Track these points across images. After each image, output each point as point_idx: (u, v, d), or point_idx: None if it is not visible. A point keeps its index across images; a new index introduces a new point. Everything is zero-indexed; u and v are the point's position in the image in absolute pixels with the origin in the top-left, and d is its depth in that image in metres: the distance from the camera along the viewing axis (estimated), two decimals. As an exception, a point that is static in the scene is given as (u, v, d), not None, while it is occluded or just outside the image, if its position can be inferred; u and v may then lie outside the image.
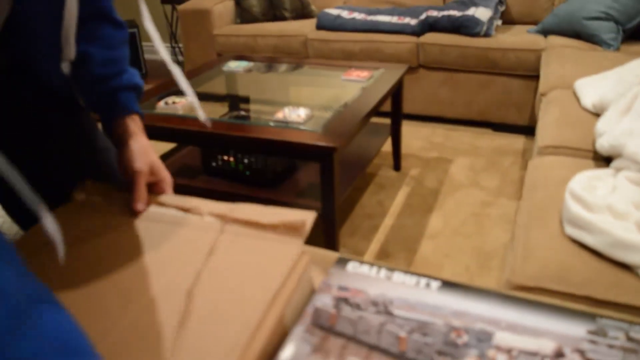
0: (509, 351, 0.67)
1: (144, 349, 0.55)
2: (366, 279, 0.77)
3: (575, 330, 0.71)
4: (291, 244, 0.68)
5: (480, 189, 2.45)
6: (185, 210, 0.76)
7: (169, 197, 0.83)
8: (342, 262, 0.81)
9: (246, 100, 2.27)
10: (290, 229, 0.69)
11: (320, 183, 1.72)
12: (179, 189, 2.13)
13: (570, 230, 1.06)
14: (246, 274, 0.65)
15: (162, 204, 0.80)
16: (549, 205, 1.18)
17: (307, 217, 0.71)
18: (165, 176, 0.90)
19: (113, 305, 0.60)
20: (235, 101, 2.25)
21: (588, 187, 1.12)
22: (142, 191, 0.82)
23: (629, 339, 0.71)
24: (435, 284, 0.77)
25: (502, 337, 0.69)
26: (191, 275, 0.64)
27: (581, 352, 0.68)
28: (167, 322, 0.58)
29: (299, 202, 1.88)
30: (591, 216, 1.02)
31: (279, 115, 1.90)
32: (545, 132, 1.65)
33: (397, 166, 2.64)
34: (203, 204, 0.78)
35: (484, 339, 0.68)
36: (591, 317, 0.73)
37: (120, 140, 0.88)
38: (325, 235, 1.82)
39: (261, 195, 1.96)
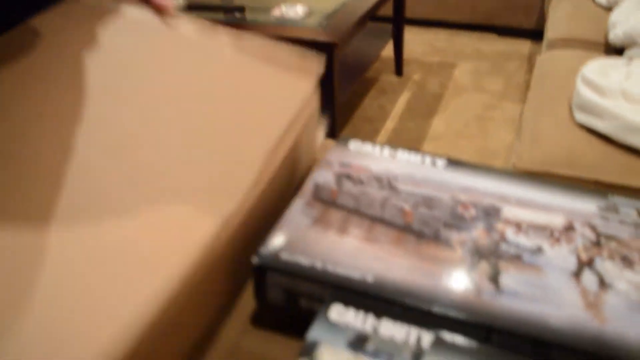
0: (517, 225, 0.65)
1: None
2: (369, 156, 0.74)
3: (586, 206, 0.69)
4: (305, 79, 0.62)
5: (484, 92, 2.40)
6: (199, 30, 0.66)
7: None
8: (343, 141, 0.78)
9: (240, 4, 2.17)
10: (303, 64, 0.62)
11: (320, 82, 1.67)
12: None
13: (580, 116, 1.02)
14: (256, 100, 0.60)
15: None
16: (559, 94, 1.14)
17: (313, 57, 0.65)
18: None
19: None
20: (229, 5, 2.16)
21: (601, 73, 1.08)
22: None
23: (640, 215, 0.69)
24: (441, 162, 0.74)
25: (511, 212, 0.67)
26: (194, 93, 0.58)
27: (592, 227, 0.66)
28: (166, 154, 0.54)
29: (299, 103, 1.84)
30: (603, 101, 0.98)
31: (276, 12, 1.82)
32: (556, 26, 1.59)
33: (399, 71, 2.57)
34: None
35: (492, 213, 0.66)
36: (603, 195, 0.71)
37: None
38: (325, 135, 1.79)
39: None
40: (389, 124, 2.17)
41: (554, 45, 1.50)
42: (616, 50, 1.37)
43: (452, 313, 0.53)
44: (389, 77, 2.55)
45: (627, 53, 1.24)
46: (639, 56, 1.19)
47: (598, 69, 1.10)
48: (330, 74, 1.64)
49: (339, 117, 1.76)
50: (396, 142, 2.06)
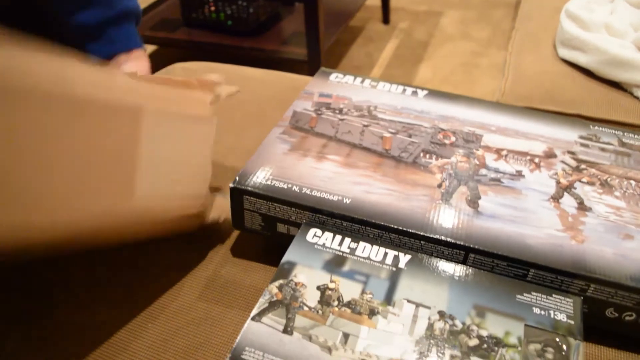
0: (498, 151, 0.64)
1: None
2: (350, 87, 0.73)
3: (568, 134, 0.69)
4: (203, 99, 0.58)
5: (471, 40, 2.37)
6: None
7: None
8: (324, 73, 0.76)
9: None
10: (204, 85, 0.59)
11: (305, 26, 1.64)
12: (159, 43, 2.03)
13: (564, 52, 1.01)
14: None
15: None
16: (543, 32, 1.13)
17: (225, 87, 0.62)
18: None
19: None
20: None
21: (585, 8, 1.06)
22: None
23: (622, 144, 0.69)
24: (422, 92, 0.73)
25: (491, 139, 0.66)
26: None
27: (572, 154, 0.66)
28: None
29: (284, 49, 1.81)
30: (587, 34, 0.97)
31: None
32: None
33: (385, 19, 2.53)
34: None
35: (472, 140, 0.66)
36: (584, 125, 0.71)
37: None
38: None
39: (245, 45, 1.88)
40: (376, 72, 2.15)
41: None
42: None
43: (430, 234, 0.53)
44: (376, 26, 2.52)
45: (614, -9, 1.22)
46: (626, -7, 1.17)
47: (582, 4, 1.08)
48: (315, 20, 1.61)
49: (324, 65, 1.73)
50: (382, 89, 2.04)
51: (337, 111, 0.68)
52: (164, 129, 0.49)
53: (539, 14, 1.23)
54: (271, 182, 0.56)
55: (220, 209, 0.62)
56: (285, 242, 0.57)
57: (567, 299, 0.48)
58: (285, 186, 0.56)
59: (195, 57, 2.24)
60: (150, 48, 2.30)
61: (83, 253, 0.61)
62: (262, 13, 1.94)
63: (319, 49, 1.68)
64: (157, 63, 1.01)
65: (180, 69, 0.99)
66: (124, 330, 0.53)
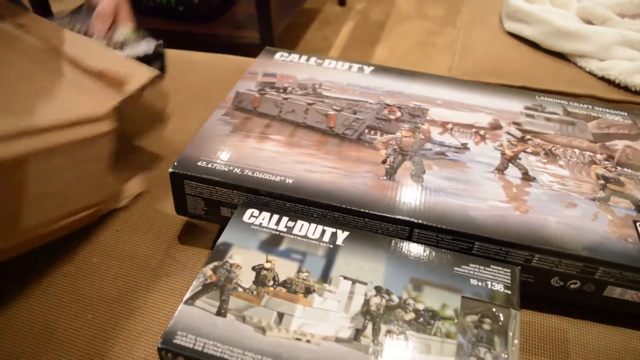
0: (443, 125, 0.64)
1: None
2: (295, 66, 0.72)
3: (513, 106, 0.69)
4: (103, 100, 0.57)
5: (427, 19, 2.37)
6: (21, 26, 0.63)
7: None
8: (269, 52, 0.75)
9: None
10: (114, 80, 0.58)
11: (256, 10, 1.61)
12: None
13: (510, 25, 1.01)
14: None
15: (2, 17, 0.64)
16: (491, 6, 1.13)
17: (138, 74, 0.61)
18: (124, 19, 0.79)
19: None
20: None
21: (531, -19, 1.07)
22: (94, 27, 0.73)
23: (567, 113, 0.69)
24: (368, 69, 0.72)
25: (437, 113, 0.66)
26: None
27: (518, 124, 0.66)
28: None
29: (238, 34, 1.78)
30: (530, 6, 0.97)
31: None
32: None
33: (342, 1, 2.51)
34: (38, 24, 0.64)
35: (418, 114, 0.65)
36: (530, 95, 0.71)
37: None
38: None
39: (198, 31, 1.84)
40: (333, 54, 2.13)
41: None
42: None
43: (372, 211, 0.52)
44: (332, 8, 2.50)
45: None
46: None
47: (529, -22, 1.08)
48: (266, 3, 1.59)
49: (278, 44, 1.71)
50: (339, 71, 2.03)
51: (282, 90, 0.67)
52: (52, 165, 0.50)
53: (488, -12, 1.23)
54: (211, 165, 0.54)
55: (129, 192, 0.64)
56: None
57: (505, 269, 0.48)
58: (226, 169, 0.54)
59: (148, 44, 2.19)
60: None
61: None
62: (213, -2, 1.90)
63: (272, 33, 1.65)
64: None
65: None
66: (63, 321, 0.52)
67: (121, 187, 0.64)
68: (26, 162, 0.47)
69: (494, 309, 0.44)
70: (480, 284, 0.46)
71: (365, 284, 0.45)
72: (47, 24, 0.64)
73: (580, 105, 0.71)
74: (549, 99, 0.71)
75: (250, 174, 0.54)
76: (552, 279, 0.52)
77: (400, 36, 2.25)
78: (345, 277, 0.46)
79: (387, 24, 2.35)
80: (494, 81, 0.91)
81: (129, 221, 0.62)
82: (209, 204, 0.56)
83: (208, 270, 0.45)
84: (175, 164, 0.54)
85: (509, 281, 0.47)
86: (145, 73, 0.61)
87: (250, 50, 2.08)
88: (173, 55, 0.95)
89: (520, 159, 0.60)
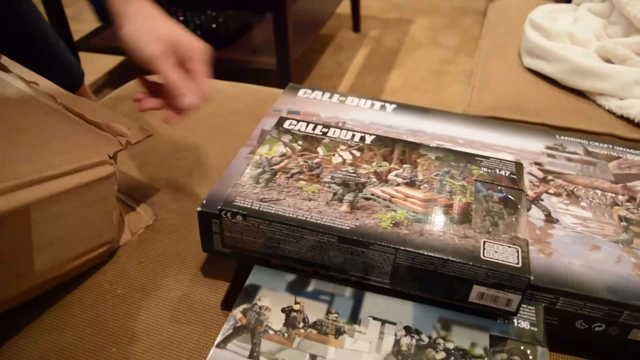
0: (465, 164, 0.65)
1: None
2: (318, 103, 0.73)
3: (534, 145, 0.69)
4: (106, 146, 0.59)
5: (440, 47, 2.40)
6: (27, 82, 0.65)
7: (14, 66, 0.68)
8: (292, 89, 0.76)
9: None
10: (113, 132, 0.61)
11: (274, 36, 1.64)
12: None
13: (529, 61, 1.02)
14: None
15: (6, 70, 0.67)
16: (509, 40, 1.14)
17: (138, 130, 0.63)
18: (195, 46, 0.61)
19: None
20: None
21: (549, 17, 1.08)
22: (173, 79, 0.57)
23: (587, 153, 0.70)
24: (390, 106, 0.74)
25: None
26: None
27: (539, 165, 0.67)
28: None
29: (253, 59, 1.80)
30: (551, 44, 0.98)
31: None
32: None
33: (356, 27, 2.54)
34: (43, 82, 0.67)
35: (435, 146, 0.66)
36: (551, 134, 0.72)
37: (116, 23, 0.61)
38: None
39: (216, 55, 1.86)
40: (347, 80, 2.15)
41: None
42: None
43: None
44: (347, 34, 2.52)
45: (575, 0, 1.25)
46: (586, 2, 1.19)
47: (546, 14, 1.10)
48: (284, 27, 1.61)
49: (295, 74, 1.73)
50: (353, 98, 2.04)
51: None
52: (55, 212, 0.52)
53: (505, 22, 1.25)
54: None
55: (137, 227, 0.66)
56: (256, 263, 0.56)
57: (529, 307, 0.48)
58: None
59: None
60: (118, 59, 2.27)
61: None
62: (231, 23, 1.93)
63: (289, 59, 1.67)
64: (127, 77, 1.00)
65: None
66: (87, 353, 0.52)
67: (131, 221, 0.66)
68: (29, 211, 0.49)
69: (522, 347, 0.45)
70: (506, 321, 0.47)
71: (394, 324, 0.46)
72: (51, 84, 0.67)
73: (601, 144, 0.71)
74: (569, 138, 0.72)
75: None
76: (576, 321, 0.52)
77: (414, 64, 2.26)
78: (374, 318, 0.46)
79: (401, 51, 2.37)
80: (514, 117, 0.91)
81: (152, 252, 0.63)
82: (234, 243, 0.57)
83: (238, 313, 0.45)
84: (204, 202, 0.55)
85: (535, 319, 0.48)
86: (144, 132, 0.63)
87: (267, 76, 2.12)
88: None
89: (542, 200, 0.61)
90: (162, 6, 0.67)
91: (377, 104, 0.74)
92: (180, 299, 0.58)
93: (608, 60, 0.97)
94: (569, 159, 0.68)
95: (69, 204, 0.53)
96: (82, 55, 2.02)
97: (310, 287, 0.48)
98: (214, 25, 1.89)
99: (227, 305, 0.56)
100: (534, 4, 1.32)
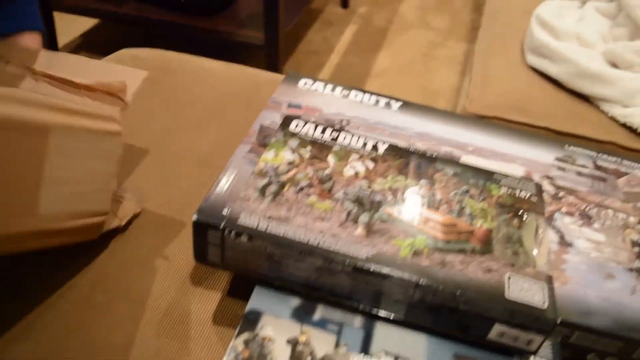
0: (475, 175, 0.61)
1: None
2: (320, 96, 0.68)
3: (544, 156, 0.66)
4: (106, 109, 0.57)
5: (429, 29, 2.35)
6: None
7: None
8: (292, 78, 0.71)
9: None
10: (108, 92, 0.58)
11: (264, 10, 1.57)
12: (105, 17, 1.90)
13: (533, 59, 0.99)
14: None
15: None
16: (511, 33, 1.11)
17: (131, 78, 0.61)
18: None
19: None
20: None
21: (556, 14, 1.04)
22: None
23: (597, 167, 0.67)
24: (396, 104, 0.69)
25: (470, 160, 0.63)
26: None
27: (550, 179, 0.64)
28: None
29: (240, 32, 1.73)
30: (558, 44, 0.95)
31: None
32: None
33: (345, 3, 2.47)
34: (14, 51, 0.63)
35: (451, 161, 0.62)
36: (560, 144, 0.69)
37: None
38: (268, 69, 1.70)
39: (199, 25, 1.79)
40: (334, 58, 2.10)
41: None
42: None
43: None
44: (335, 9, 2.46)
45: (581, -5, 1.21)
46: (593, 0, 1.16)
47: (553, 10, 1.06)
48: (274, 2, 1.54)
49: (282, 50, 1.67)
50: (341, 77, 2.00)
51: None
52: (70, 147, 0.49)
53: (506, 13, 1.21)
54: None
55: (125, 213, 0.61)
56: (256, 281, 0.52)
57: (546, 341, 0.45)
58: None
59: (144, 35, 2.13)
60: (93, 22, 2.17)
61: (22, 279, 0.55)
62: (217, -9, 1.85)
63: (277, 35, 1.61)
64: (102, 40, 0.94)
65: (128, 57, 0.92)
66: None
67: (118, 206, 0.62)
68: (49, 132, 0.46)
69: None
70: (522, 357, 0.44)
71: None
72: (23, 49, 0.63)
73: (609, 158, 0.69)
74: (577, 149, 0.69)
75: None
76: (588, 355, 0.50)
77: (403, 45, 2.22)
78: (386, 352, 0.43)
79: (390, 30, 2.32)
80: (517, 119, 0.88)
81: (137, 253, 0.58)
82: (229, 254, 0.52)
83: (239, 344, 0.41)
84: (200, 211, 0.50)
85: (550, 355, 0.45)
86: (137, 75, 0.61)
87: (254, 51, 2.04)
88: (184, 61, 0.91)
89: (555, 219, 0.58)
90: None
91: (382, 101, 0.70)
92: (167, 310, 0.53)
93: (614, 65, 0.94)
94: (579, 173, 0.66)
95: (84, 145, 0.50)
96: (57, 16, 1.92)
97: (317, 315, 0.45)
98: (199, -7, 1.81)
99: (219, 319, 0.52)
100: (536, -5, 1.29)
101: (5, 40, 0.71)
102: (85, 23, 2.16)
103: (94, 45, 2.03)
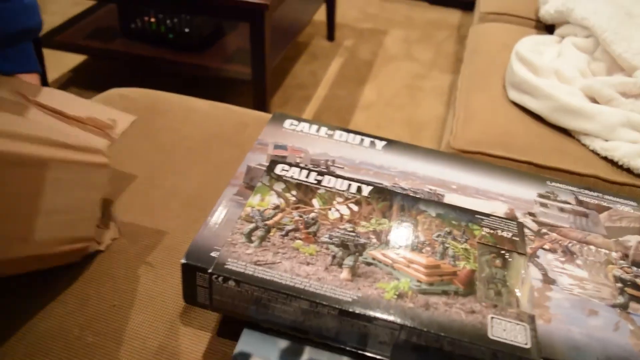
0: (458, 213, 0.62)
1: None
2: (305, 137, 0.69)
3: (527, 193, 0.68)
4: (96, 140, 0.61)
5: (414, 61, 2.39)
6: None
7: None
8: (277, 118, 0.72)
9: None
10: (98, 126, 0.62)
11: (250, 46, 1.59)
12: (93, 53, 1.91)
13: (514, 95, 1.01)
14: None
15: None
16: (491, 69, 1.13)
17: (121, 118, 0.65)
18: None
19: None
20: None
21: (535, 50, 1.07)
22: None
23: (579, 202, 0.68)
24: (380, 144, 0.71)
25: (453, 199, 0.64)
26: None
27: (533, 216, 0.65)
28: None
29: (228, 67, 1.75)
30: (538, 80, 0.97)
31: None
32: (488, -2, 1.57)
33: (330, 36, 2.51)
34: (6, 81, 0.67)
35: (435, 200, 0.63)
36: (542, 180, 0.70)
37: None
38: (255, 103, 1.72)
39: (186, 61, 1.81)
40: (320, 91, 2.12)
41: (485, 18, 1.49)
42: (546, 27, 1.38)
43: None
44: (321, 42, 2.49)
45: (558, 31, 1.24)
46: (570, 34, 1.19)
47: (532, 46, 1.09)
48: (261, 38, 1.57)
49: (269, 84, 1.69)
50: (328, 110, 2.02)
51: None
52: (64, 179, 0.52)
53: (487, 49, 1.24)
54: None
55: (108, 237, 0.65)
56: (245, 323, 0.53)
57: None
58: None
59: (133, 71, 2.15)
60: (82, 57, 2.19)
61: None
62: (205, 28, 1.88)
63: (264, 70, 1.63)
64: (91, 76, 0.96)
65: (117, 96, 0.93)
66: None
67: (100, 232, 0.65)
68: (47, 166, 0.49)
69: None
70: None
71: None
72: (16, 80, 0.66)
73: (591, 193, 0.70)
74: (560, 185, 0.71)
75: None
76: (572, 393, 0.50)
77: (388, 77, 2.25)
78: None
79: (375, 63, 2.35)
80: (500, 154, 0.90)
81: (126, 295, 0.59)
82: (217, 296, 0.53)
83: (228, 392, 0.41)
84: (187, 254, 0.51)
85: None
86: (127, 118, 0.65)
87: (242, 86, 2.07)
88: (169, 100, 0.92)
89: (538, 257, 0.59)
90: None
91: (367, 140, 0.71)
92: (158, 351, 0.53)
93: (593, 100, 0.97)
94: (561, 209, 0.67)
95: (75, 177, 0.53)
96: (46, 52, 1.93)
97: (305, 356, 0.45)
98: (187, 29, 1.84)
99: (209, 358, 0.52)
100: (515, 31, 1.32)
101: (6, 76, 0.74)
102: (75, 59, 2.18)
103: (83, 80, 2.04)
